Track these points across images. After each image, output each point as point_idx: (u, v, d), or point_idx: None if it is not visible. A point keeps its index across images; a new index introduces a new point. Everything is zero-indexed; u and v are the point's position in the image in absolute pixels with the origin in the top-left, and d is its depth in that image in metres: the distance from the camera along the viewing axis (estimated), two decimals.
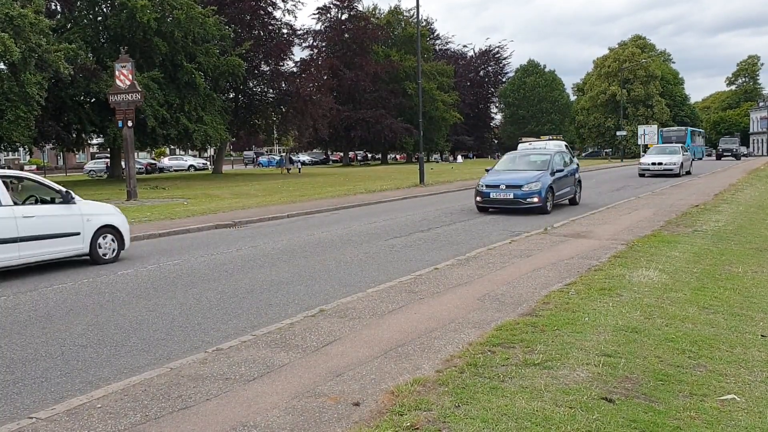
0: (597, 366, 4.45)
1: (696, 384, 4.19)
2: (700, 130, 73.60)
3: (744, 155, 76.08)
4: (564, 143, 41.37)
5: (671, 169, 28.68)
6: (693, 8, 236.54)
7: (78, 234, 9.52)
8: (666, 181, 25.78)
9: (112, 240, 10.02)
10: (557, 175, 15.73)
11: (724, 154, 61.69)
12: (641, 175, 29.49)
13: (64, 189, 9.64)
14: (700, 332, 5.31)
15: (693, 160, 32.32)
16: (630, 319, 5.60)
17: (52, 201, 9.68)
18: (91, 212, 9.85)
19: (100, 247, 9.82)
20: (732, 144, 65.81)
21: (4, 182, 8.86)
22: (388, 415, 3.71)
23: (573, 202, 17.26)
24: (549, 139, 46.82)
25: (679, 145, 32.08)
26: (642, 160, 31.37)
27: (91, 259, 9.81)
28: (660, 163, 29.18)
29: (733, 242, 10.01)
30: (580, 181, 17.87)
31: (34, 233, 8.92)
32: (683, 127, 66.54)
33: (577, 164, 18.37)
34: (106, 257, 9.89)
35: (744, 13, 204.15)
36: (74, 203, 9.58)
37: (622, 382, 4.20)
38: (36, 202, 9.65)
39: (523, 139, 48.21)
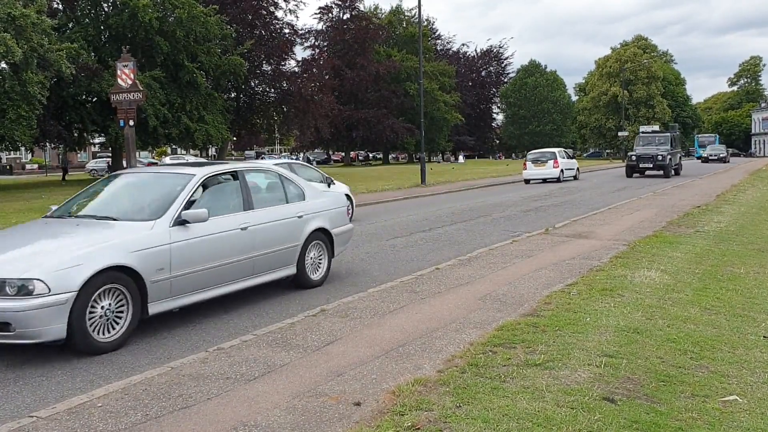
0: (598, 366, 4.44)
1: (698, 385, 4.18)
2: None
3: (721, 158, 53.64)
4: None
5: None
6: (700, 8, 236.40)
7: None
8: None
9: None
10: None
11: (640, 165, 29.77)
12: None
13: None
14: (702, 333, 5.29)
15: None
16: (632, 320, 5.59)
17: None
18: None
19: None
20: (658, 145, 30.86)
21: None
22: (389, 415, 3.70)
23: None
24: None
25: None
26: None
27: None
28: None
29: (735, 243, 10.00)
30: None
31: None
32: (712, 135, 74.10)
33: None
34: None
35: (749, 13, 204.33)
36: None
37: (624, 382, 4.19)
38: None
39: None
